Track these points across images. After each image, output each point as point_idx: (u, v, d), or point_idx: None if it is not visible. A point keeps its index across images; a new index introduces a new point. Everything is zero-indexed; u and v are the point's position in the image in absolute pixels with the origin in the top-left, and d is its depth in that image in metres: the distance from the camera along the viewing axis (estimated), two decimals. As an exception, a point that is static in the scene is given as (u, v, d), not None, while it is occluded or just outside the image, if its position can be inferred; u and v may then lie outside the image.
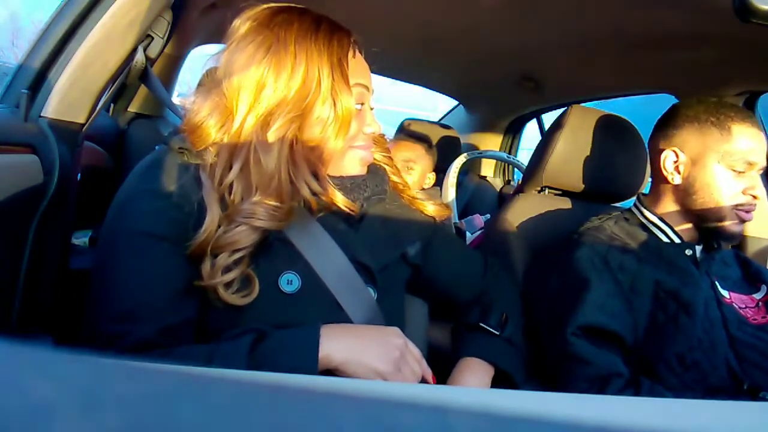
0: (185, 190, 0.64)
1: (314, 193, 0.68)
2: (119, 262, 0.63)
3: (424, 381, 0.67)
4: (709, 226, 0.93)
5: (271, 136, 0.65)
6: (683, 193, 0.94)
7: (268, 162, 0.65)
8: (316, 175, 0.68)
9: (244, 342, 0.58)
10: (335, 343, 0.61)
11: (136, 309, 0.61)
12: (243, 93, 0.66)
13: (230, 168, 0.65)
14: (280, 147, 0.66)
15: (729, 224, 0.91)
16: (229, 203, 0.64)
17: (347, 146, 0.72)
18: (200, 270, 0.63)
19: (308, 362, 0.59)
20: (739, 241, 0.98)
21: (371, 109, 0.76)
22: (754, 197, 0.90)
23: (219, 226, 0.63)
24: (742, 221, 0.91)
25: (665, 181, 0.96)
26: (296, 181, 0.67)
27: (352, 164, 0.74)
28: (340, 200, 0.69)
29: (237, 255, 0.63)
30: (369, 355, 0.62)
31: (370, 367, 0.61)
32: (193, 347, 0.62)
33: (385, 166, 0.84)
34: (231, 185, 0.65)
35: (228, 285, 0.63)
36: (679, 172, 0.94)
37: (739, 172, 0.90)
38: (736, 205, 0.90)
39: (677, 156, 0.94)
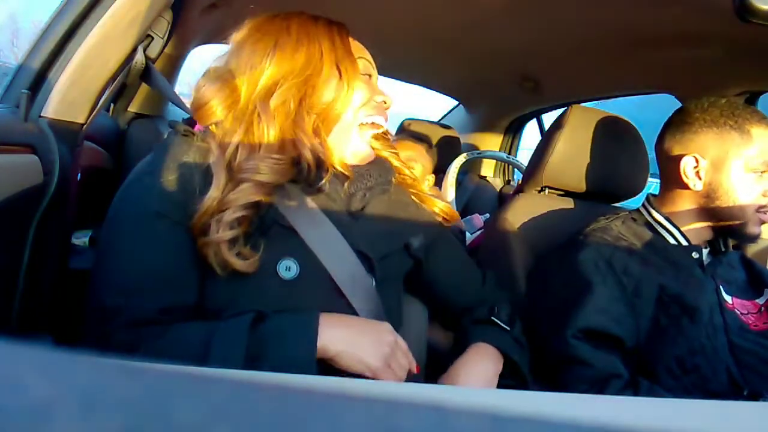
0: (190, 168, 0.66)
1: (315, 155, 0.69)
2: (122, 240, 0.65)
3: (409, 373, 0.68)
4: (729, 228, 0.92)
5: (276, 99, 0.69)
6: (705, 199, 0.93)
7: (271, 124, 0.68)
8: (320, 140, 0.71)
9: (244, 320, 0.59)
10: (333, 334, 0.61)
11: (137, 285, 0.62)
12: (248, 75, 0.69)
13: (235, 132, 0.68)
14: (285, 110, 0.69)
15: (750, 226, 0.91)
16: (235, 167, 0.66)
17: (357, 117, 0.74)
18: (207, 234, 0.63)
19: (306, 351, 0.59)
20: (757, 241, 0.97)
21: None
22: None
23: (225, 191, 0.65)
24: (762, 222, 0.91)
25: (684, 187, 0.94)
26: (298, 138, 0.68)
27: (361, 143, 0.75)
28: (338, 161, 0.72)
29: (240, 213, 0.64)
30: (363, 349, 0.62)
31: (363, 362, 0.62)
32: (194, 324, 0.62)
33: (393, 161, 0.85)
34: (237, 150, 0.67)
35: (232, 243, 0.63)
36: (700, 178, 0.92)
37: (762, 173, 0.90)
38: (759, 207, 0.90)
39: (697, 162, 0.92)
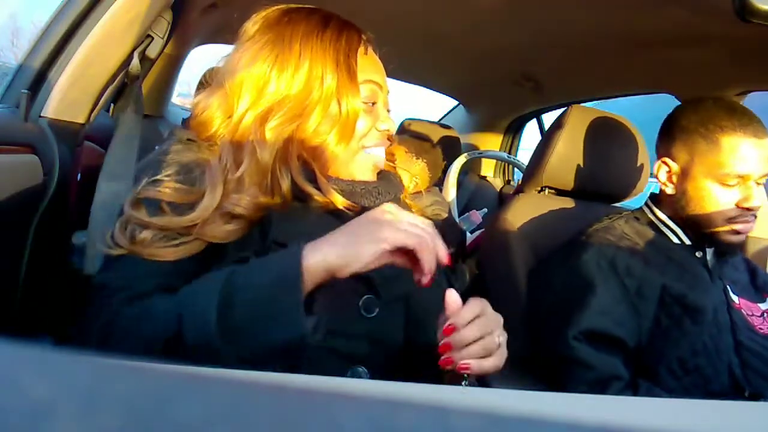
0: (196, 173, 0.65)
1: (302, 193, 0.66)
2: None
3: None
4: (705, 234, 0.92)
5: (269, 132, 0.66)
6: (677, 203, 0.93)
7: (263, 157, 0.65)
8: (313, 176, 0.67)
9: (221, 273, 0.56)
10: (324, 248, 0.54)
11: (120, 281, 0.61)
12: (245, 90, 0.66)
13: (236, 163, 0.65)
14: (275, 144, 0.66)
15: (724, 235, 0.89)
16: (225, 189, 0.64)
17: (358, 146, 0.71)
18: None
19: (291, 270, 0.53)
20: (740, 249, 0.96)
21: (388, 111, 0.75)
22: (748, 209, 0.87)
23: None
24: (738, 233, 0.88)
25: (662, 189, 0.96)
26: (279, 177, 0.65)
27: (365, 168, 0.72)
28: (339, 201, 0.67)
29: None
30: (358, 244, 0.53)
31: (361, 258, 0.53)
32: (165, 297, 0.59)
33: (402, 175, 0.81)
34: (227, 170, 0.65)
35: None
36: (672, 183, 0.93)
37: (730, 186, 0.87)
38: (729, 218, 0.87)
39: (669, 167, 0.93)
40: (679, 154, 0.92)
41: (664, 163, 0.94)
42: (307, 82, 0.67)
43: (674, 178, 0.93)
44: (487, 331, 0.59)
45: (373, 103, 0.72)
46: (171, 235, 0.62)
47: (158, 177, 0.64)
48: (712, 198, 0.88)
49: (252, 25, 0.70)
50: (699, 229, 0.92)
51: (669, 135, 0.94)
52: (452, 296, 0.60)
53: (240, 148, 0.66)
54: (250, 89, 0.66)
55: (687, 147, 0.90)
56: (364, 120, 0.70)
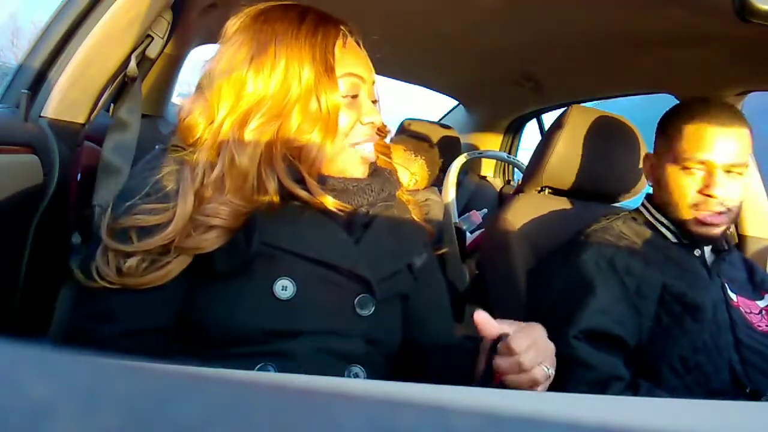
0: (169, 188, 0.64)
1: (290, 194, 0.65)
2: None
3: None
4: (675, 223, 0.94)
5: (248, 135, 0.65)
6: (654, 194, 0.99)
7: (242, 161, 0.63)
8: (301, 178, 0.66)
9: None
10: None
11: (106, 311, 0.61)
12: (224, 93, 0.65)
13: (211, 167, 0.64)
14: (256, 146, 0.64)
15: (691, 225, 0.91)
16: (198, 201, 0.63)
17: (343, 143, 0.69)
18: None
19: None
20: (723, 244, 0.96)
21: (375, 102, 0.73)
22: (710, 196, 0.88)
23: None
24: (704, 224, 0.89)
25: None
26: (265, 180, 0.64)
27: (353, 164, 0.71)
28: (330, 203, 0.66)
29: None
30: None
31: None
32: None
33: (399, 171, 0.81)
34: (204, 176, 0.64)
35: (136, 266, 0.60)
36: (651, 174, 1.00)
37: (691, 171, 0.89)
38: (693, 205, 0.90)
39: (650, 159, 1.00)
40: (657, 148, 0.98)
41: (647, 156, 1.01)
42: (284, 81, 0.65)
43: (652, 169, 0.99)
44: (537, 362, 0.62)
45: (354, 96, 0.70)
46: (155, 258, 0.60)
47: (134, 201, 0.62)
48: (675, 183, 0.92)
49: (231, 26, 0.69)
50: (670, 216, 0.95)
51: (657, 133, 1.00)
52: (482, 316, 0.61)
53: (218, 153, 0.65)
54: (228, 92, 0.65)
55: (662, 137, 0.96)
56: (347, 114, 0.69)
